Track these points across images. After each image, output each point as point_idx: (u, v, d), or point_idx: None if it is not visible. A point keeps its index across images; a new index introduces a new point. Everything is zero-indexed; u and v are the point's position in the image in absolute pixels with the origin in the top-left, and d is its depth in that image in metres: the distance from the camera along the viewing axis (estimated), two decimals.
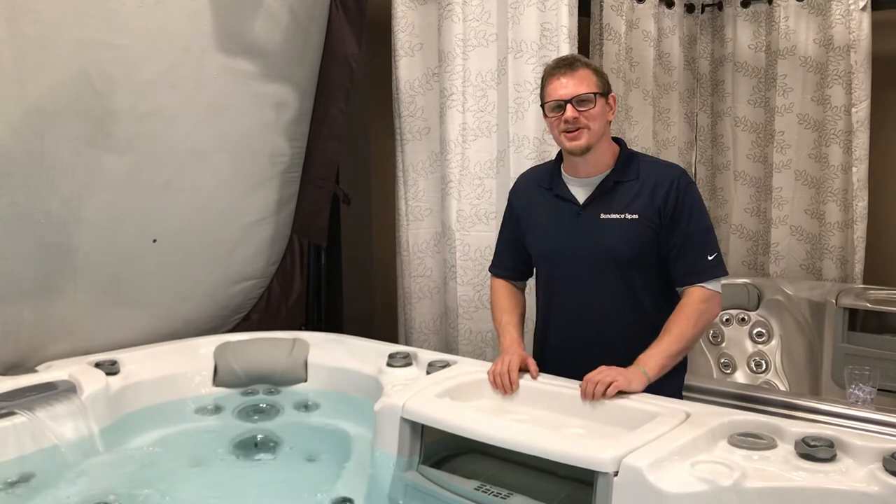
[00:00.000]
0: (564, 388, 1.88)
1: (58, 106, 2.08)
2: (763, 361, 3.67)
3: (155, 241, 2.40)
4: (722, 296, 1.99)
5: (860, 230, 3.56)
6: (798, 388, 3.51)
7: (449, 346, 2.80)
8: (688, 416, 1.65)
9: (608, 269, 1.98)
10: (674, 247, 1.95)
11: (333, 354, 2.36)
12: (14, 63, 1.99)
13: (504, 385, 1.90)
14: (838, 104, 3.60)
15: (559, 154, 2.09)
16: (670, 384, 1.95)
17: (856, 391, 2.70)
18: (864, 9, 3.49)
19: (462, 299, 2.73)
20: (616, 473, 1.45)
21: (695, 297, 1.93)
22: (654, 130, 3.90)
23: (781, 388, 3.57)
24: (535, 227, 2.10)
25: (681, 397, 2.04)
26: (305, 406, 2.29)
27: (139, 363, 2.25)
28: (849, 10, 3.52)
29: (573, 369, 1.94)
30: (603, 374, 1.79)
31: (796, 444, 1.51)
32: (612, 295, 1.99)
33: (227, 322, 2.75)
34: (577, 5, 2.75)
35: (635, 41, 3.79)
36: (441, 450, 1.81)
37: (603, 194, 1.99)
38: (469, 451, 1.79)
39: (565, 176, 2.06)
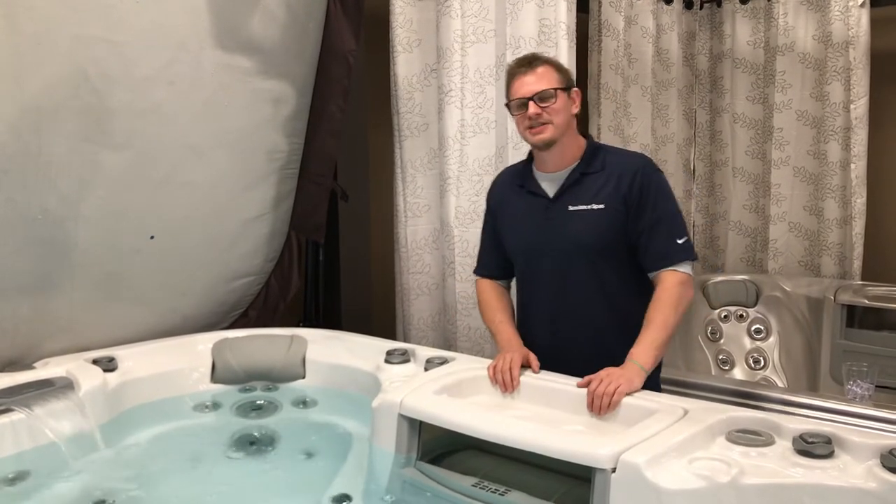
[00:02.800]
0: (563, 384, 1.88)
1: (55, 102, 2.08)
2: (761, 358, 3.68)
3: (153, 237, 2.39)
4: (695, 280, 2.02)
5: (859, 227, 3.57)
6: (796, 384, 3.51)
7: (447, 342, 2.80)
8: (686, 412, 1.65)
9: (578, 259, 2.01)
10: (642, 233, 1.98)
11: (331, 351, 2.36)
12: (11, 60, 1.98)
13: (505, 382, 1.90)
14: (837, 101, 3.60)
15: (530, 152, 2.14)
16: (650, 379, 1.95)
17: (854, 388, 2.70)
18: (862, 5, 3.49)
19: (461, 296, 2.73)
20: (614, 470, 1.45)
21: (670, 283, 1.94)
22: (652, 127, 3.89)
23: (779, 384, 3.57)
24: (510, 225, 2.14)
25: (659, 387, 2.07)
26: (303, 403, 2.29)
27: (137, 360, 2.24)
28: (847, 7, 3.51)
29: (555, 363, 1.96)
30: (604, 383, 1.76)
31: (794, 441, 1.51)
32: (584, 286, 2.03)
33: (224, 319, 2.75)
34: (575, 1, 2.75)
35: (634, 37, 3.79)
36: (439, 446, 1.81)
37: (571, 186, 2.03)
38: (467, 447, 1.79)
39: (536, 172, 2.10)
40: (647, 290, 1.98)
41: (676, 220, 2.00)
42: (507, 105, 2.04)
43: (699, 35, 4.10)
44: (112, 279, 2.35)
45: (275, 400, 2.28)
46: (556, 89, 1.96)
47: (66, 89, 2.09)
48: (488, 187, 2.69)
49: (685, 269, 1.96)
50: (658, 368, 2.10)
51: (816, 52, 3.68)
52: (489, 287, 2.22)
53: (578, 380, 1.84)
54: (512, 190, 2.15)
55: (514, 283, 2.24)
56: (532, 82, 1.96)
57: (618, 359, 1.86)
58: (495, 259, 2.22)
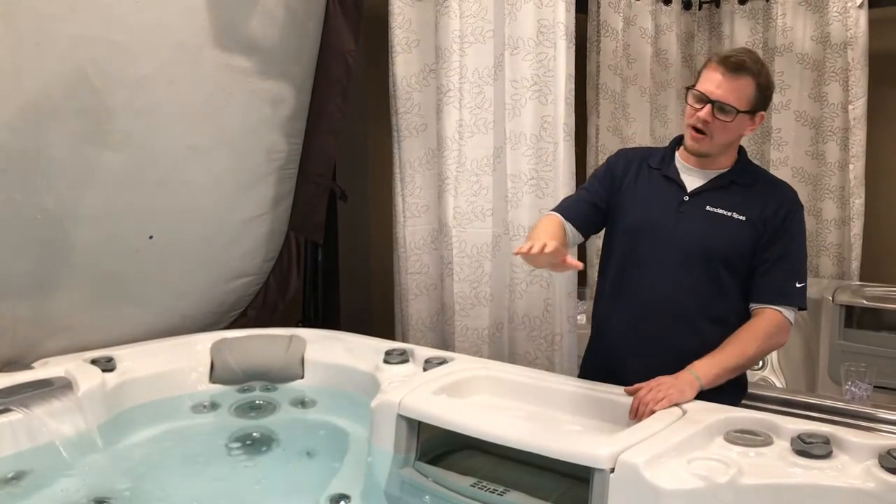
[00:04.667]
0: (562, 384, 1.88)
1: (54, 102, 2.07)
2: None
3: (151, 237, 2.39)
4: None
5: (857, 227, 3.57)
6: (794, 384, 3.51)
7: (445, 342, 2.79)
8: (684, 412, 1.66)
9: (697, 262, 1.91)
10: (766, 261, 1.89)
11: (330, 351, 2.36)
12: (10, 59, 1.98)
13: (534, 245, 1.63)
14: (835, 101, 3.60)
15: (674, 140, 2.06)
16: (727, 395, 1.86)
17: (852, 388, 2.70)
18: (861, 6, 3.49)
19: (458, 296, 2.73)
20: (612, 470, 1.45)
21: (768, 320, 1.85)
22: (651, 127, 3.90)
23: (778, 384, 3.57)
24: (633, 199, 2.02)
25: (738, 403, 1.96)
26: (302, 403, 2.28)
27: (135, 360, 2.24)
28: (846, 7, 3.52)
29: (633, 357, 1.92)
30: (654, 391, 1.70)
31: (792, 441, 1.51)
32: (694, 290, 1.91)
33: (223, 318, 2.75)
34: (574, 2, 2.74)
35: (632, 38, 3.79)
36: (437, 446, 1.81)
37: (716, 188, 1.95)
38: (465, 447, 1.79)
39: (679, 161, 2.01)
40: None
41: (802, 263, 1.92)
42: (689, 88, 1.91)
43: (698, 36, 4.09)
44: (111, 279, 2.35)
45: (273, 400, 2.28)
46: (739, 111, 1.84)
47: (65, 89, 2.09)
48: (492, 185, 2.68)
49: (789, 314, 1.88)
50: (744, 387, 2.02)
51: (815, 52, 3.68)
52: (550, 218, 2.01)
53: (578, 380, 1.84)
54: (642, 168, 2.04)
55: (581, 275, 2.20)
56: (725, 87, 1.83)
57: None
58: (580, 210, 2.06)
